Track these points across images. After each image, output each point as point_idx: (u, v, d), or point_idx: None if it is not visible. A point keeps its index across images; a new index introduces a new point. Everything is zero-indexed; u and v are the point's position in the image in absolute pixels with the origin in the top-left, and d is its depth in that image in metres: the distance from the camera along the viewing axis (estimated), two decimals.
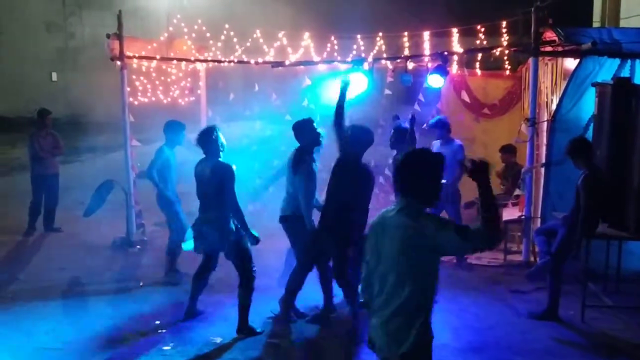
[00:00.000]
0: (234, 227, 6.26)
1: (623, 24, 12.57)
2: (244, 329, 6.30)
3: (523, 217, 8.51)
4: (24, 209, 10.56)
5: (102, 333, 6.37)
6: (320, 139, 6.62)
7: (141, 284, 7.85)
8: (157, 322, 6.62)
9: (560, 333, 6.39)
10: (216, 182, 6.18)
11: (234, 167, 6.24)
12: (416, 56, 9.54)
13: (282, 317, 6.58)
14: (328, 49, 10.10)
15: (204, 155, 6.35)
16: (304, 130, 6.58)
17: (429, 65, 9.43)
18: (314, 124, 6.61)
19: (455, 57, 9.87)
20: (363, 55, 9.67)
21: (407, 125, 7.29)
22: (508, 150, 9.72)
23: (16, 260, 9.05)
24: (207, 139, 6.27)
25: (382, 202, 9.05)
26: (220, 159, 6.28)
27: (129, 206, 9.51)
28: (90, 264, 8.66)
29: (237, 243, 6.27)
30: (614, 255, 7.24)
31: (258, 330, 6.34)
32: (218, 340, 6.20)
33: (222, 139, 6.34)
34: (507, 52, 9.26)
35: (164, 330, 6.41)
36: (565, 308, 6.76)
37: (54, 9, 38.83)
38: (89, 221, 9.65)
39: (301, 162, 6.48)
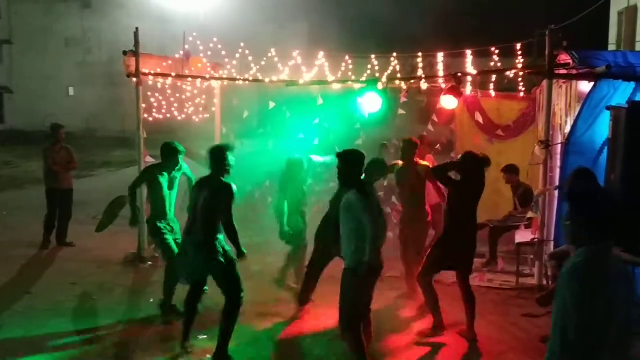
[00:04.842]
0: (221, 250, 6.06)
1: (639, 47, 12.53)
2: (221, 357, 5.99)
3: (536, 240, 8.45)
4: (39, 222, 10.65)
5: (110, 350, 6.38)
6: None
7: (151, 300, 7.84)
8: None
9: None
10: (213, 201, 5.97)
11: (234, 186, 6.03)
12: (430, 77, 9.54)
13: None
14: (343, 69, 10.12)
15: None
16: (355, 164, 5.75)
17: (443, 86, 9.42)
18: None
19: (469, 78, 9.86)
20: (377, 75, 9.70)
21: None
22: (510, 170, 9.63)
23: (28, 274, 9.10)
24: (214, 156, 6.12)
25: None
26: (222, 178, 6.05)
27: (141, 222, 9.51)
28: (101, 280, 8.71)
29: (224, 267, 6.04)
30: None
31: None
32: None
33: (231, 159, 6.15)
34: (521, 74, 9.23)
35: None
36: None
37: (73, 25, 39.23)
38: (101, 236, 9.68)
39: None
